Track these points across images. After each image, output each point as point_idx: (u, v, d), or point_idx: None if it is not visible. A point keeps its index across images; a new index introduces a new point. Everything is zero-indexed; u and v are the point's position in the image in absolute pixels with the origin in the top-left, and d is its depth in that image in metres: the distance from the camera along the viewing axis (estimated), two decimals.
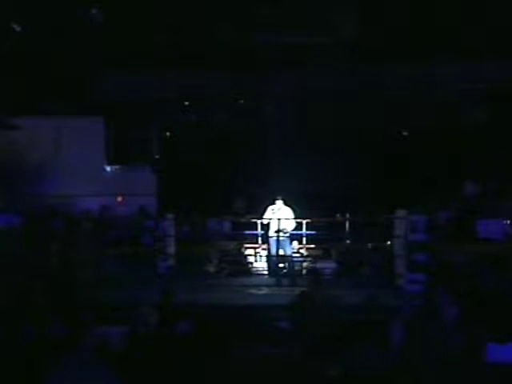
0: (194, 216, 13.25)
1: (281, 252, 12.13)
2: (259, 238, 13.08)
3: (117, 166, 15.11)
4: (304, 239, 13.04)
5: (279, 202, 12.27)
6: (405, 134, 14.85)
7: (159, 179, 15.12)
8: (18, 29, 12.19)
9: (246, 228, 13.38)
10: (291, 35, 12.89)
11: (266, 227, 12.56)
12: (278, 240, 11.96)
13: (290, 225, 12.25)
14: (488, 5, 11.54)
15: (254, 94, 14.57)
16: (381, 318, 7.18)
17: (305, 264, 12.91)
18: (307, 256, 13.02)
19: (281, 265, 12.27)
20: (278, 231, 11.99)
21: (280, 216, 12.17)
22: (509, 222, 12.05)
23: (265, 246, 12.80)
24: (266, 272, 12.55)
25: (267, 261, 12.63)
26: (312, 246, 13.04)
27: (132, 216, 13.80)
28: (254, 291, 10.69)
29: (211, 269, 12.67)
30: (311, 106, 14.21)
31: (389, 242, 12.01)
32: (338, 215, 13.56)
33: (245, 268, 12.92)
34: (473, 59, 13.36)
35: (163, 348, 6.10)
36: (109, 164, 15.06)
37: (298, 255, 12.84)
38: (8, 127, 13.96)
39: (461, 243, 11.39)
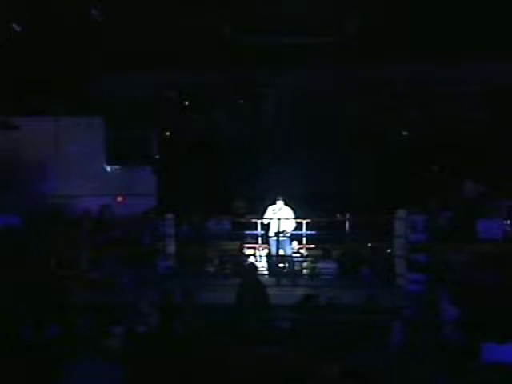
0: (193, 216, 13.25)
1: (281, 252, 12.14)
2: (259, 238, 13.07)
3: (117, 166, 15.09)
4: (304, 239, 13.03)
5: (280, 203, 12.28)
6: (404, 133, 14.85)
7: (159, 179, 15.11)
8: (17, 28, 12.19)
9: (246, 228, 13.38)
10: (291, 35, 12.89)
11: (266, 227, 12.56)
12: (278, 240, 11.97)
13: (290, 225, 12.26)
14: (487, 5, 11.53)
15: (253, 93, 14.57)
16: (381, 318, 7.20)
17: (305, 264, 12.91)
18: (307, 256, 13.02)
19: (281, 265, 12.27)
20: (278, 231, 12.00)
21: (280, 216, 12.18)
22: (509, 221, 12.04)
23: (265, 246, 12.80)
24: (266, 272, 12.55)
25: (267, 261, 12.64)
26: (312, 245, 13.04)
27: (132, 216, 13.81)
28: None
29: (211, 269, 12.67)
30: (311, 106, 14.21)
31: (389, 242, 12.01)
32: (338, 215, 13.56)
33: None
34: (472, 59, 13.35)
35: (163, 348, 6.10)
36: (109, 164, 15.03)
37: (297, 255, 12.84)
38: (8, 127, 13.95)
39: (461, 243, 11.39)
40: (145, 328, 7.08)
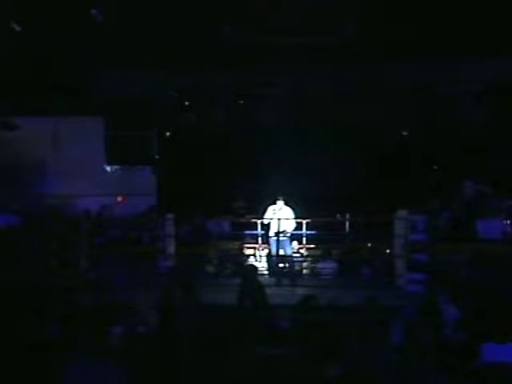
0: (193, 216, 13.26)
1: (281, 252, 12.14)
2: (259, 238, 13.08)
3: (117, 166, 15.09)
4: (304, 239, 13.04)
5: (280, 203, 12.28)
6: (404, 133, 14.86)
7: (159, 179, 15.12)
8: (17, 28, 12.19)
9: (246, 228, 13.39)
10: (291, 35, 12.89)
11: (266, 227, 12.57)
12: (278, 240, 11.98)
13: (290, 225, 12.26)
14: (488, 5, 11.53)
15: (253, 94, 14.57)
16: (381, 318, 7.19)
17: (305, 264, 12.91)
18: (307, 256, 13.03)
19: (281, 265, 12.28)
20: (278, 231, 12.01)
21: (281, 216, 12.19)
22: (509, 221, 12.04)
23: (265, 246, 12.81)
24: (266, 272, 12.55)
25: (267, 261, 12.64)
26: (312, 245, 13.05)
27: (132, 216, 13.82)
28: None
29: (211, 269, 12.67)
30: (311, 106, 14.21)
31: (389, 242, 12.00)
32: (338, 215, 13.57)
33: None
34: (472, 59, 13.36)
35: (163, 348, 6.10)
36: (109, 164, 15.04)
37: (298, 255, 12.85)
38: (8, 127, 13.95)
39: (461, 243, 11.39)
40: (145, 328, 7.08)
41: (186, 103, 14.80)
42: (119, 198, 14.95)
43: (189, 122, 14.59)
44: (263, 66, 13.61)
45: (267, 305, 8.72)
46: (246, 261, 12.97)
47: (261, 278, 12.19)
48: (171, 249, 12.40)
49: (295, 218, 12.36)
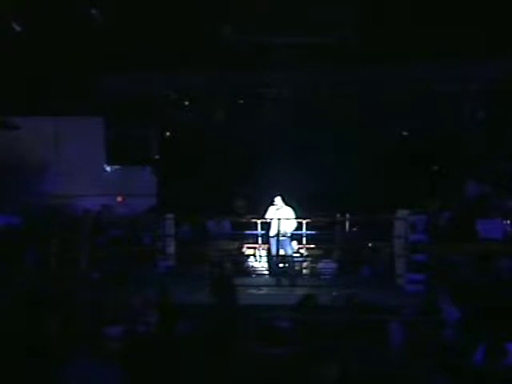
0: (193, 216, 13.25)
1: (281, 252, 12.13)
2: (259, 238, 13.07)
3: (117, 166, 15.10)
4: (304, 239, 13.03)
5: (278, 199, 12.25)
6: (404, 133, 14.85)
7: (159, 179, 15.12)
8: (17, 28, 12.20)
9: (246, 228, 13.38)
10: (291, 35, 12.89)
11: (266, 227, 12.56)
12: (278, 240, 11.96)
13: (290, 225, 12.25)
14: (487, 5, 11.55)
15: (253, 93, 14.57)
16: (380, 318, 7.19)
17: (305, 264, 12.90)
18: (307, 256, 13.02)
19: (281, 265, 12.27)
20: (278, 231, 11.99)
21: (281, 216, 12.17)
22: (509, 221, 12.04)
23: (265, 246, 12.79)
24: (266, 272, 12.55)
25: (267, 261, 12.63)
26: (312, 246, 13.04)
27: (132, 216, 13.82)
28: (254, 291, 10.67)
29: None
30: (311, 106, 14.21)
31: (389, 242, 12.00)
32: (338, 215, 13.56)
33: (245, 268, 12.92)
34: (472, 59, 13.36)
35: (163, 348, 6.09)
36: (109, 164, 15.05)
37: (297, 255, 12.83)
38: (8, 127, 13.95)
39: (461, 243, 11.38)
40: (145, 328, 7.08)
41: (186, 103, 14.80)
42: (119, 198, 14.95)
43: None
44: (263, 66, 13.61)
45: (235, 305, 8.60)
46: (246, 261, 12.98)
47: (260, 278, 12.26)
48: (171, 249, 12.40)
49: (295, 218, 12.34)
